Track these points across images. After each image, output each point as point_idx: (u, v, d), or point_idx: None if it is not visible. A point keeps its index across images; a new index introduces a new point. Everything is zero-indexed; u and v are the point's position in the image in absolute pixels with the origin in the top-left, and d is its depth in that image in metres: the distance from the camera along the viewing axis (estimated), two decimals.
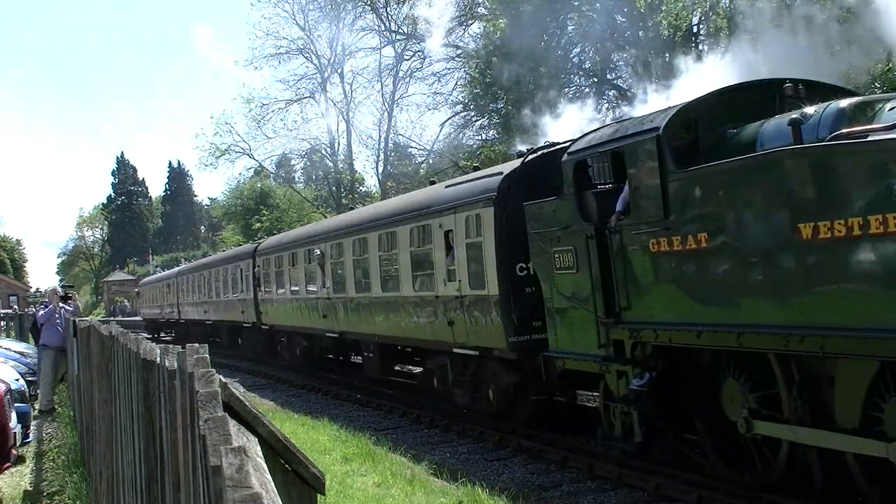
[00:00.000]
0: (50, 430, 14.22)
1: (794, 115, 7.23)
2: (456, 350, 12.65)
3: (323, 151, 49.38)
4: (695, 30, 26.61)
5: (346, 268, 17.17)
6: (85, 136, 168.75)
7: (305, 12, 45.84)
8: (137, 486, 4.60)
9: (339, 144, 49.50)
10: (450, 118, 38.31)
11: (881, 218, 5.80)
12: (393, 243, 14.77)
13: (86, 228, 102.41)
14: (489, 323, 11.60)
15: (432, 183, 16.86)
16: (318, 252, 18.55)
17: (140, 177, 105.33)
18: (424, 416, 14.26)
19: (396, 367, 18.38)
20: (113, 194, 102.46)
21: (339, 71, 47.75)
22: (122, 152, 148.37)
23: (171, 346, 4.01)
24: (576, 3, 26.77)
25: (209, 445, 2.08)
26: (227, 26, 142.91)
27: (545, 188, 10.42)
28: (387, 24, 42.75)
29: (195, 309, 33.18)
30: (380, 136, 47.12)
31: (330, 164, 49.74)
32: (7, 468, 10.12)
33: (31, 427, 13.38)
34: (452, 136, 37.84)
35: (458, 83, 35.87)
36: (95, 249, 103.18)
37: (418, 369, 17.76)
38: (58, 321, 16.10)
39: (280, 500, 1.81)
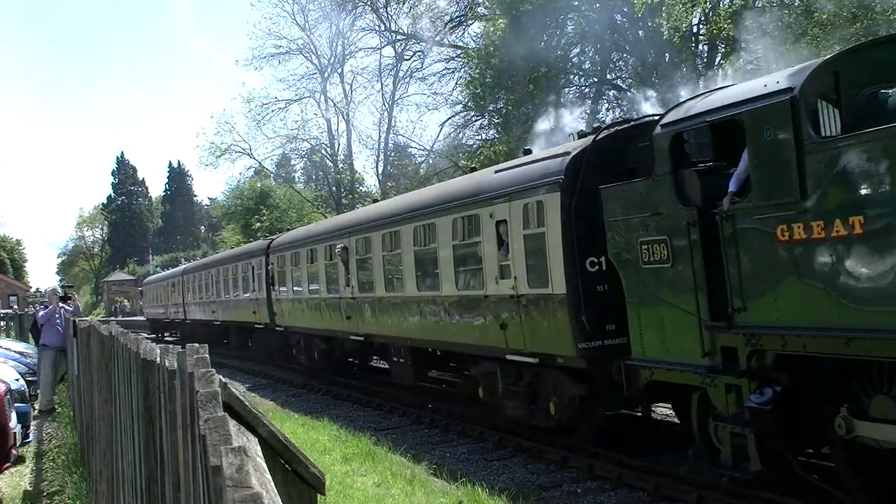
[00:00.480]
0: (50, 430, 14.21)
1: None
2: (509, 357, 11.10)
3: (323, 151, 49.45)
4: (695, 30, 26.61)
5: (373, 264, 15.61)
6: (85, 136, 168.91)
7: (305, 12, 45.99)
8: (137, 486, 4.60)
9: (339, 144, 49.65)
10: (450, 118, 38.37)
11: None
12: (431, 236, 13.25)
13: (86, 228, 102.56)
14: (553, 326, 10.13)
15: (473, 170, 15.17)
16: (341, 247, 16.98)
17: (140, 177, 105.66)
18: (424, 416, 14.25)
19: (431, 374, 16.70)
20: (113, 194, 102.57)
21: (339, 71, 47.88)
22: (122, 152, 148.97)
23: (170, 346, 4.01)
24: (576, 3, 26.76)
25: (209, 445, 2.08)
26: (217, 20, 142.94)
27: (618, 170, 9.24)
28: (387, 24, 42.79)
29: (202, 309, 31.84)
30: (380, 136, 47.27)
31: (330, 164, 49.82)
32: (7, 468, 10.12)
33: (31, 427, 13.38)
34: (452, 136, 37.87)
35: (458, 83, 35.88)
36: (95, 249, 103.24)
37: (448, 375, 16.44)
38: (58, 321, 16.10)
39: (280, 500, 1.81)
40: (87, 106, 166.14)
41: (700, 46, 27.24)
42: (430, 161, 43.78)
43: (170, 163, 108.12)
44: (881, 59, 7.18)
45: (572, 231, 9.69)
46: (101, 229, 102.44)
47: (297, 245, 20.80)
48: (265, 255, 23.19)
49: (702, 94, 8.42)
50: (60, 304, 16.62)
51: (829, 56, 7.36)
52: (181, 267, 39.19)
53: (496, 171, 12.04)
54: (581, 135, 11.15)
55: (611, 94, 31.18)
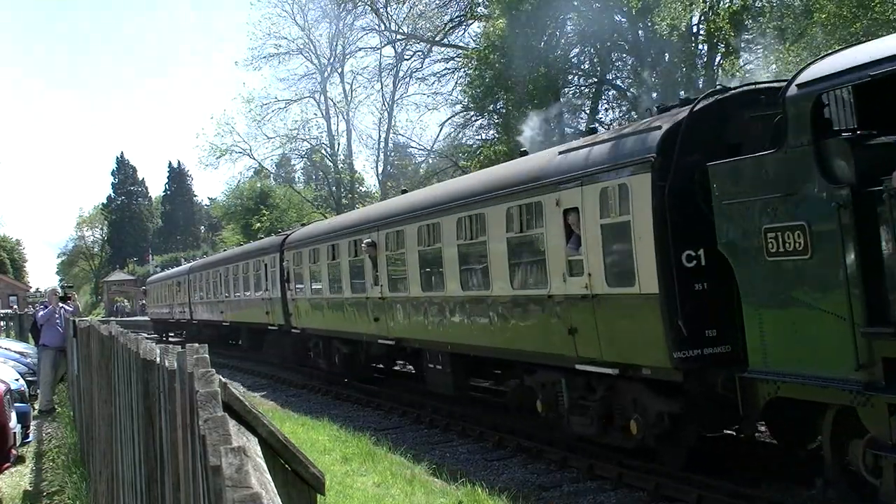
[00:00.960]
0: (50, 430, 14.22)
1: None
2: (580, 367, 9.67)
3: (323, 151, 49.52)
4: (694, 30, 26.61)
5: (407, 261, 14.16)
6: (85, 136, 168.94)
7: (305, 12, 46.05)
8: (137, 486, 4.60)
9: (339, 144, 49.74)
10: (450, 118, 38.38)
11: None
12: (480, 228, 11.79)
13: (86, 228, 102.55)
14: (639, 332, 8.72)
15: (523, 153, 13.46)
16: (368, 242, 15.50)
17: (140, 177, 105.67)
18: (424, 416, 14.24)
19: (473, 382, 14.95)
20: (113, 194, 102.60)
21: (339, 71, 47.93)
22: (122, 152, 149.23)
23: (170, 346, 4.02)
24: (575, 3, 26.77)
25: (209, 445, 2.08)
26: (218, 20, 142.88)
27: (718, 147, 8.05)
28: (387, 23, 42.81)
29: (210, 309, 30.51)
30: (380, 136, 47.36)
31: (330, 164, 49.89)
32: (7, 468, 10.12)
33: (31, 427, 13.38)
34: (452, 136, 37.89)
35: (458, 83, 35.92)
36: (95, 249, 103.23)
37: (485, 383, 15.10)
38: (58, 321, 16.11)
39: (280, 500, 1.81)
40: (87, 106, 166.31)
41: (700, 46, 27.24)
42: (430, 161, 43.81)
43: (170, 163, 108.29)
44: None
45: (667, 219, 8.26)
46: (101, 229, 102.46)
47: (316, 241, 19.32)
48: (280, 252, 21.74)
49: (839, 50, 7.30)
50: (60, 304, 16.63)
51: None
52: (187, 265, 37.83)
53: (560, 153, 10.56)
54: (662, 109, 9.69)
55: (610, 94, 31.22)
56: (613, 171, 8.98)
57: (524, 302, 10.84)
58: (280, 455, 3.18)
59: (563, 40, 29.08)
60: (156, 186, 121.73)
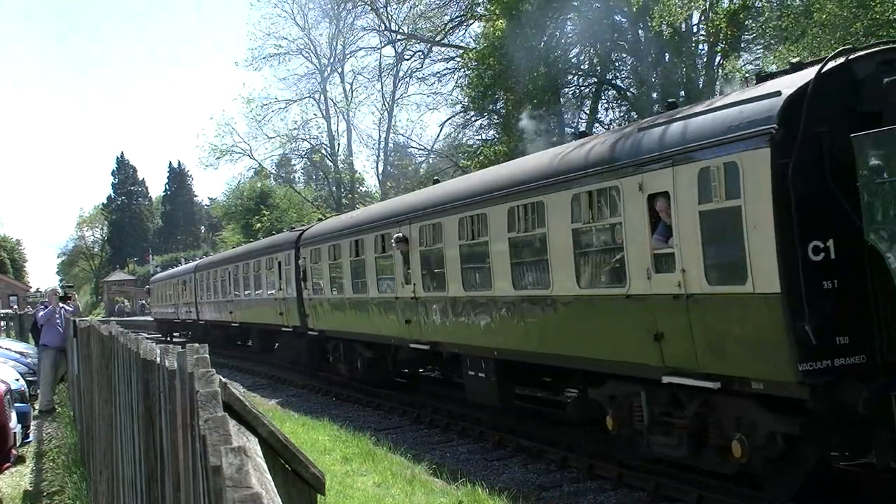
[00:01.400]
0: (50, 430, 14.22)
1: None
2: (668, 379, 8.26)
3: (323, 151, 49.54)
4: (694, 29, 26.62)
5: (446, 257, 12.80)
6: (85, 136, 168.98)
7: (305, 12, 46.05)
8: (137, 485, 4.60)
9: (339, 144, 49.76)
10: (450, 118, 38.36)
11: None
12: (537, 219, 10.40)
13: (86, 228, 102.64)
14: (752, 339, 7.40)
15: (583, 134, 12.08)
16: (399, 237, 14.13)
17: (140, 177, 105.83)
18: (424, 416, 14.24)
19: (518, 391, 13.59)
20: (113, 194, 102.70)
21: (340, 71, 47.95)
22: (122, 152, 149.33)
23: (170, 346, 4.02)
24: (575, 3, 26.76)
25: (209, 445, 2.08)
26: (218, 20, 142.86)
27: (850, 116, 7.01)
28: (387, 23, 42.81)
29: (217, 308, 29.22)
30: (380, 136, 47.39)
31: (330, 164, 49.93)
32: (7, 468, 10.12)
33: (31, 427, 13.39)
34: (452, 136, 37.89)
35: (458, 83, 35.91)
36: (95, 249, 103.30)
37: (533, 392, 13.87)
38: (58, 321, 16.11)
39: (280, 500, 1.81)
40: (87, 106, 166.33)
41: (700, 46, 27.24)
42: (430, 161, 43.81)
43: (170, 163, 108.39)
44: None
45: (791, 203, 6.92)
46: (101, 229, 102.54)
47: (337, 236, 17.85)
48: (295, 249, 20.29)
49: None
50: (60, 304, 16.63)
51: None
52: (193, 263, 36.32)
53: (640, 129, 9.16)
54: (760, 78, 8.42)
55: (610, 94, 31.20)
56: (718, 148, 7.59)
57: (593, 302, 9.52)
58: (280, 455, 3.18)
59: (563, 40, 29.06)
60: (156, 186, 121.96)
